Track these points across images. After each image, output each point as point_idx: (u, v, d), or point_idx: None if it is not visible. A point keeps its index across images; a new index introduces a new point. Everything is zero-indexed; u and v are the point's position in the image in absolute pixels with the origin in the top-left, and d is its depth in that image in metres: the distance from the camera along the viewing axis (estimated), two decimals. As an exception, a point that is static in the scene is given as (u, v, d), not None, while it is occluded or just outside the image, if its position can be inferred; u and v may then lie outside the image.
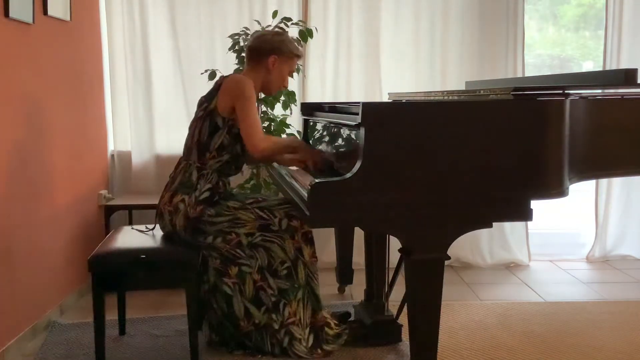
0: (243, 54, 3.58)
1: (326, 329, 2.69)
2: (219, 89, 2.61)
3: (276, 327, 2.56)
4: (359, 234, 3.18)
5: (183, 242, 2.58)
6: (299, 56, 2.78)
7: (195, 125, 2.65)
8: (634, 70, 2.25)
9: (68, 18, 3.27)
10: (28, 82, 2.88)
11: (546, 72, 5.05)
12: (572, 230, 4.83)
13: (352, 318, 2.97)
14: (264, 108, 3.64)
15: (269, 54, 2.69)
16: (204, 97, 2.70)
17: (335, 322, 2.77)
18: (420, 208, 2.02)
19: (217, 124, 2.59)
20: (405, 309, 2.32)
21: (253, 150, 2.55)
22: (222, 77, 2.70)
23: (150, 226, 2.77)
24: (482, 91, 2.31)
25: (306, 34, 3.63)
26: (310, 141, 3.09)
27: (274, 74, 2.71)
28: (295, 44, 2.78)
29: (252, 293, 2.56)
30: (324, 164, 2.67)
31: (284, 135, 3.57)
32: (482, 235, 4.07)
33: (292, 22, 3.62)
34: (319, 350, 2.61)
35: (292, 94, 3.65)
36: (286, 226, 2.58)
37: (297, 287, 2.59)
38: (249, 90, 2.58)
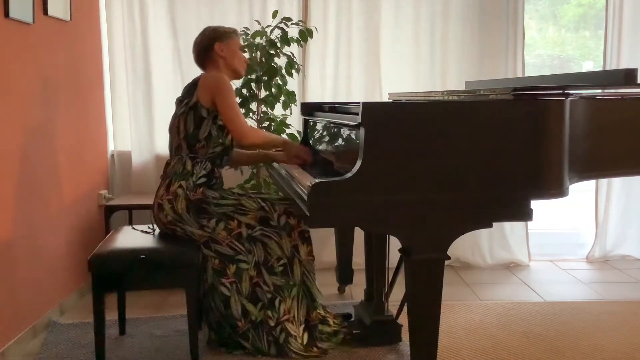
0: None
1: (324, 326, 2.70)
2: (196, 86, 2.67)
3: (272, 323, 2.57)
4: (359, 234, 3.18)
5: (183, 241, 2.58)
6: (235, 32, 2.84)
7: (179, 123, 2.70)
8: (634, 70, 2.25)
9: (68, 18, 3.27)
10: (28, 82, 2.88)
11: (546, 72, 5.07)
12: (572, 230, 4.84)
13: (352, 318, 2.98)
14: (264, 108, 3.64)
15: (212, 45, 2.76)
16: (181, 96, 2.76)
17: (335, 320, 2.77)
18: (420, 208, 2.02)
19: (201, 115, 2.65)
20: (405, 309, 2.32)
21: (242, 139, 2.67)
22: (199, 76, 2.75)
23: (152, 226, 2.77)
24: (482, 91, 2.31)
25: (306, 34, 3.63)
26: (311, 141, 3.09)
27: (228, 56, 2.78)
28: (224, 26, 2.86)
29: (249, 290, 2.58)
30: (311, 157, 2.81)
31: (284, 135, 3.57)
32: (482, 235, 4.07)
33: (292, 22, 3.62)
34: (314, 348, 2.61)
35: (292, 94, 3.65)
36: (284, 223, 2.61)
37: (292, 285, 2.61)
38: (227, 83, 2.67)
